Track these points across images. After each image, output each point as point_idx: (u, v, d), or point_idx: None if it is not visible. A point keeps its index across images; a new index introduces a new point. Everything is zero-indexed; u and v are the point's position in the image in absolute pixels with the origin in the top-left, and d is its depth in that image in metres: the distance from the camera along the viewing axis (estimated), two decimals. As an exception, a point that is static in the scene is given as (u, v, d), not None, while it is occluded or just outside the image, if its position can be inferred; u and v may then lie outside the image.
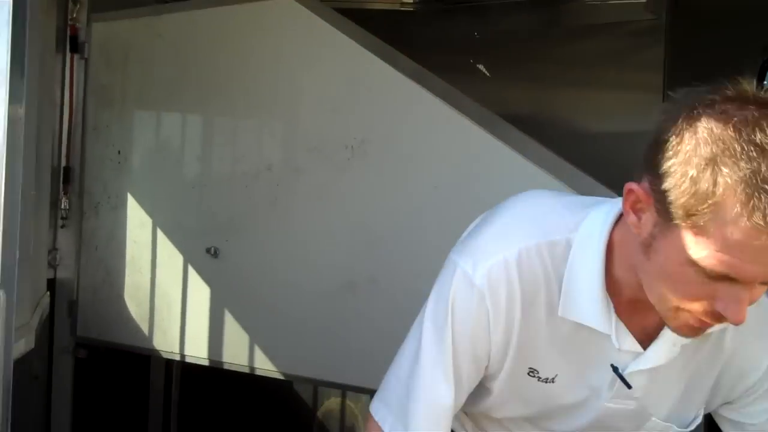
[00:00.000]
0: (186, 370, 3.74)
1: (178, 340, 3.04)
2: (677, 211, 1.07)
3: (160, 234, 3.05)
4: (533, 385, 1.33)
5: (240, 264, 2.84)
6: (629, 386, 1.30)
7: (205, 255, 2.90)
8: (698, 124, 1.07)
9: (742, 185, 1.02)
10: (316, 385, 3.41)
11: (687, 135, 1.07)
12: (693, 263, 1.08)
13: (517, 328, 1.27)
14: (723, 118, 1.05)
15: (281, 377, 2.84)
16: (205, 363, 2.97)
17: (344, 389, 3.34)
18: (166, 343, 3.07)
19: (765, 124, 1.03)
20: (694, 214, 1.05)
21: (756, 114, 1.05)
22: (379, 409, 1.39)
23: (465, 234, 1.37)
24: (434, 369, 1.29)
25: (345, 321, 2.62)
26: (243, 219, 2.82)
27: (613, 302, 1.26)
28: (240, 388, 3.62)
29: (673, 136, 1.09)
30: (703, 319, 1.13)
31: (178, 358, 3.07)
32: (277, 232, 2.75)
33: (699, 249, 1.06)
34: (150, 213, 3.07)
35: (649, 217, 1.14)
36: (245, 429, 3.69)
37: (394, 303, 2.52)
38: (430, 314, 1.31)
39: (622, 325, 1.26)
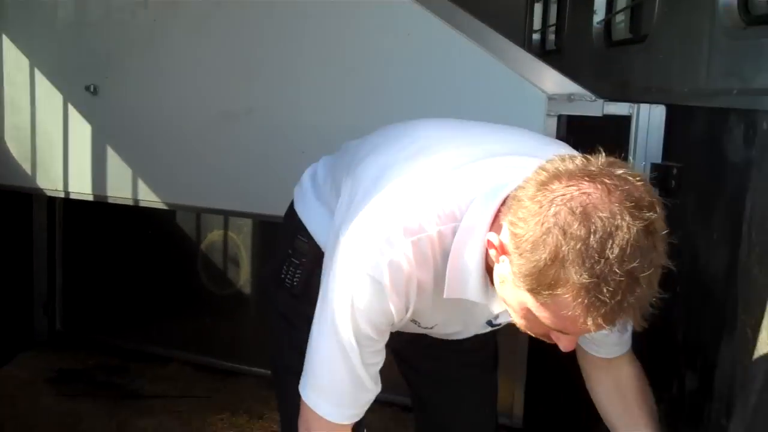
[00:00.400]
0: (69, 206, 3.88)
1: (61, 178, 3.16)
2: (524, 281, 1.13)
3: (38, 74, 3.11)
4: (414, 326, 1.50)
5: (120, 100, 2.96)
6: (497, 326, 1.52)
7: (84, 93, 3.00)
8: (556, 201, 1.09)
9: (583, 292, 1.07)
10: (199, 212, 3.61)
11: (544, 209, 1.10)
12: (533, 314, 1.18)
13: (412, 305, 1.36)
14: (573, 209, 1.07)
15: (165, 207, 3.04)
16: (90, 199, 3.13)
17: (226, 215, 3.56)
18: (49, 182, 3.19)
19: (617, 228, 1.05)
20: (537, 292, 1.12)
21: (609, 208, 1.06)
22: (309, 396, 1.45)
23: (356, 205, 1.36)
24: (349, 354, 1.36)
25: (224, 150, 2.82)
26: (121, 55, 2.92)
27: (489, 277, 1.30)
28: (123, 222, 3.80)
29: (529, 209, 1.11)
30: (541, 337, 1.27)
31: (62, 195, 3.20)
32: (155, 66, 2.86)
33: (539, 310, 1.16)
34: (27, 54, 3.11)
35: (506, 264, 1.19)
36: (131, 262, 3.88)
37: (270, 132, 2.74)
38: (336, 307, 1.35)
39: (497, 294, 1.31)
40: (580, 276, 1.06)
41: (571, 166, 1.12)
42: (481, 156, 1.36)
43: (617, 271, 1.05)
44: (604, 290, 1.06)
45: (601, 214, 1.06)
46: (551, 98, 2.30)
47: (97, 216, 3.82)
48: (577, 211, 1.07)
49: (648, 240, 1.07)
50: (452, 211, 1.28)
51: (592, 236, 1.06)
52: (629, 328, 1.48)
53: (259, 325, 3.64)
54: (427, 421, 1.97)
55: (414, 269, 1.29)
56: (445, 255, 1.29)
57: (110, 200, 3.09)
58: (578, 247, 1.06)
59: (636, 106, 2.08)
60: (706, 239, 1.78)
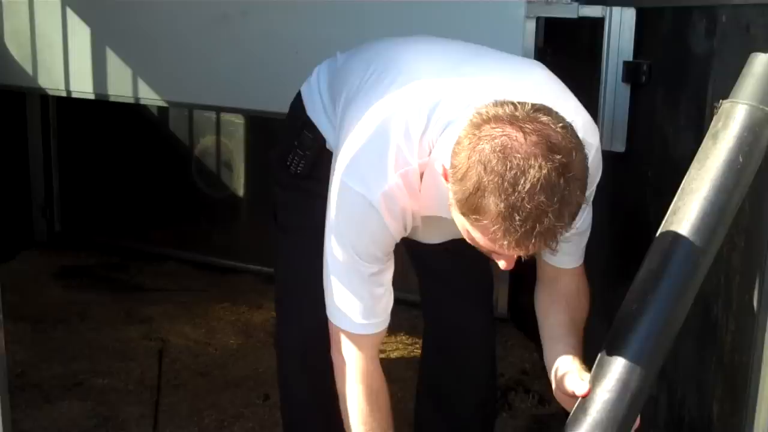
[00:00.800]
0: (62, 108, 3.98)
1: (62, 78, 3.27)
2: (458, 205, 1.31)
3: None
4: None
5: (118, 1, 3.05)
6: None
7: (82, -6, 3.09)
8: (483, 140, 1.25)
9: (500, 218, 1.24)
10: (192, 108, 3.73)
11: (472, 147, 1.26)
12: (471, 235, 1.35)
13: (409, 225, 1.57)
14: (494, 148, 1.23)
15: (164, 104, 3.17)
16: (91, 97, 3.25)
17: (219, 111, 3.69)
18: (51, 82, 3.30)
19: (530, 167, 1.21)
20: (468, 216, 1.30)
21: (525, 149, 1.21)
22: (333, 315, 1.61)
23: (348, 143, 1.53)
24: (362, 272, 1.55)
25: (220, 50, 2.94)
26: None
27: None
28: (118, 124, 3.93)
29: (462, 145, 1.28)
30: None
31: (64, 95, 3.32)
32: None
33: (473, 232, 1.33)
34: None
35: (449, 189, 1.34)
36: (126, 165, 4.01)
37: (265, 34, 2.87)
38: (342, 235, 1.54)
39: None
40: (497, 205, 1.23)
41: (500, 112, 1.28)
42: (455, 88, 1.52)
43: (527, 204, 1.22)
44: (516, 218, 1.23)
45: (517, 154, 1.22)
46: (530, 1, 2.44)
47: (92, 118, 3.92)
48: (497, 150, 1.23)
49: (559, 180, 1.22)
50: (427, 143, 1.47)
51: (507, 172, 1.22)
52: (582, 250, 1.66)
53: (254, 227, 3.82)
54: (433, 315, 2.14)
55: (405, 196, 1.48)
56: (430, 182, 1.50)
57: (111, 99, 3.21)
58: (496, 180, 1.22)
59: (609, 8, 2.23)
60: (674, 125, 1.96)
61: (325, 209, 1.58)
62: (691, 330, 1.63)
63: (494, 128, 1.25)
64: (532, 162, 1.21)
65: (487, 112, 1.29)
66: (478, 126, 1.27)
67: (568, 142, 1.26)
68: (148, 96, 3.13)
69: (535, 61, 1.73)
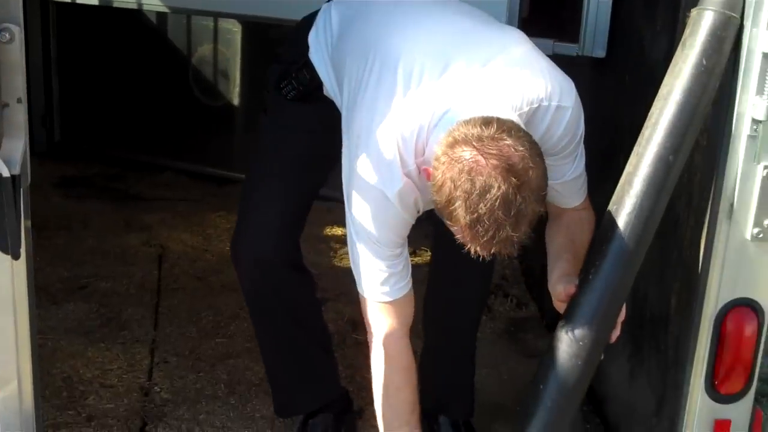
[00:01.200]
0: (61, 15, 3.99)
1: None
2: (437, 210, 1.52)
3: None
4: None
5: None
6: None
7: None
8: (454, 161, 1.45)
9: (467, 228, 1.45)
10: (192, 14, 3.72)
11: (445, 166, 1.47)
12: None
13: (422, 208, 1.73)
14: (462, 169, 1.44)
15: (167, 11, 3.17)
16: (95, 3, 3.26)
17: (216, 16, 3.71)
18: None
19: (490, 186, 1.41)
20: (444, 220, 1.51)
21: (487, 171, 1.42)
22: (360, 286, 1.78)
23: (360, 146, 1.69)
24: (384, 260, 1.74)
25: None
26: None
27: None
28: (118, 34, 3.95)
29: (439, 161, 1.48)
30: None
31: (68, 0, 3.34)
32: None
33: (451, 229, 1.52)
34: None
35: None
36: (125, 76, 4.05)
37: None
38: (362, 224, 1.72)
39: None
40: (464, 217, 1.45)
41: (469, 135, 1.48)
42: (445, 92, 1.66)
43: (487, 219, 1.44)
44: (480, 229, 1.45)
45: (480, 177, 1.44)
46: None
47: (91, 26, 3.94)
48: (465, 171, 1.45)
49: (515, 197, 1.43)
50: (421, 146, 1.64)
51: (473, 190, 1.44)
52: (581, 191, 1.80)
53: (250, 137, 3.88)
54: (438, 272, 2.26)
55: (414, 190, 1.68)
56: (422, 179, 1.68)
57: (116, 5, 3.26)
58: (463, 196, 1.45)
59: None
60: (651, 31, 2.01)
61: (301, 141, 1.86)
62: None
63: (464, 151, 1.47)
64: (492, 182, 1.43)
65: (459, 131, 1.50)
66: (451, 146, 1.49)
67: (526, 163, 1.46)
68: (150, 2, 3.16)
69: (513, 30, 1.84)
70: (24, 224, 1.47)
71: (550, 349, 1.63)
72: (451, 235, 1.54)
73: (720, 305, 1.58)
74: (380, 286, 1.75)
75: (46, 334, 2.60)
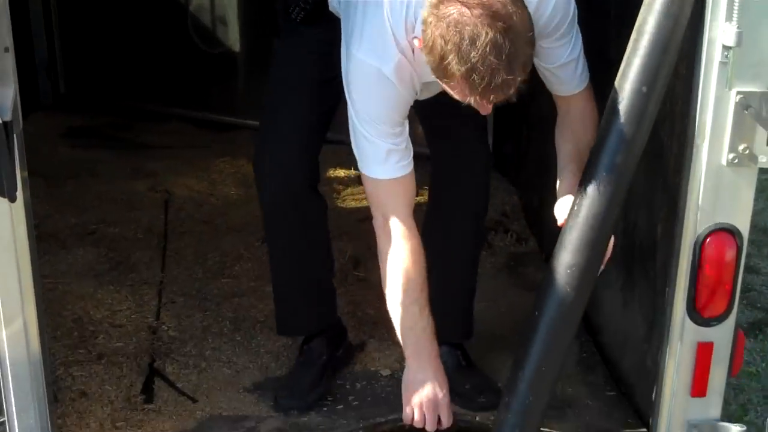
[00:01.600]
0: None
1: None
2: (432, 72, 1.58)
3: None
4: None
5: None
6: None
7: None
8: (440, 18, 1.51)
9: (462, 79, 1.52)
10: None
11: (433, 25, 1.53)
12: (450, 93, 1.61)
13: (418, 88, 1.82)
14: (449, 24, 1.49)
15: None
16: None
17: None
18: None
19: (478, 35, 1.47)
20: (441, 79, 1.57)
21: (473, 21, 1.48)
22: (362, 166, 1.86)
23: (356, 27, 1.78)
24: (385, 138, 1.82)
25: None
26: None
27: None
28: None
29: (426, 23, 1.54)
30: None
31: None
32: None
33: (450, 90, 1.60)
34: None
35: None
36: (125, 26, 4.05)
37: None
38: (365, 105, 1.80)
39: None
40: (458, 70, 1.52)
41: None
42: None
43: (480, 66, 1.50)
44: (475, 78, 1.51)
45: (467, 27, 1.50)
46: None
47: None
48: (451, 25, 1.51)
49: (504, 40, 1.50)
50: (410, 23, 1.72)
51: (462, 42, 1.50)
52: (581, 77, 1.84)
53: (250, 83, 3.91)
54: (439, 154, 2.28)
55: (409, 65, 1.75)
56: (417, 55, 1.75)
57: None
58: (455, 49, 1.51)
59: None
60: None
61: (315, 61, 1.92)
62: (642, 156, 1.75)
63: (448, 7, 1.53)
64: (480, 30, 1.50)
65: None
66: (436, 6, 1.55)
67: (508, 8, 1.52)
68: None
69: None
70: (21, 170, 1.52)
71: (544, 278, 1.69)
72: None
73: (699, 230, 1.63)
74: (383, 163, 1.82)
75: (56, 278, 2.68)
